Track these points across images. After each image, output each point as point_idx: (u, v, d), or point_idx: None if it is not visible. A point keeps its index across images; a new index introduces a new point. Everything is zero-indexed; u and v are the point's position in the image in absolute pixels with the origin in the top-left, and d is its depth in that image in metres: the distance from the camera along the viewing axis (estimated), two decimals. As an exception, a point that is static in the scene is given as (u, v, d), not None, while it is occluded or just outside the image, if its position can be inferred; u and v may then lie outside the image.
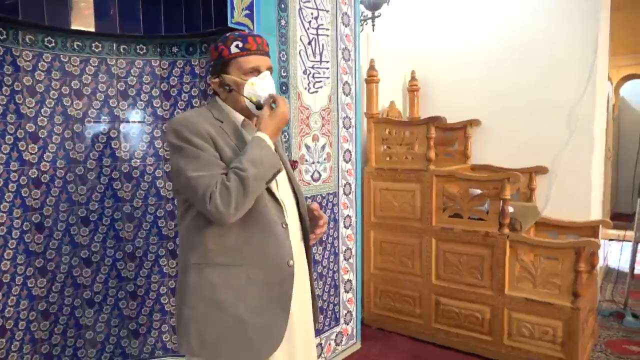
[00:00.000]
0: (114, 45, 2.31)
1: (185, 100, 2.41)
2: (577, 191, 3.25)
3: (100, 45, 2.28)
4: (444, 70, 3.72)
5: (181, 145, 1.28)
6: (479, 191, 2.87)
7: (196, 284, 1.34)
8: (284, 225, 1.38)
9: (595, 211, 3.35)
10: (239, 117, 1.41)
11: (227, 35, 1.40)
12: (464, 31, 3.62)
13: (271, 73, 1.43)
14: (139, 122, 2.40)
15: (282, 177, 1.46)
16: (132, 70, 2.36)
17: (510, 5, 3.43)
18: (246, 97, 1.36)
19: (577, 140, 3.22)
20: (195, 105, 2.38)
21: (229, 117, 1.40)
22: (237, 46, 1.36)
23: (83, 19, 2.17)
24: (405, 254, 3.14)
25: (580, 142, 3.21)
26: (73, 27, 2.14)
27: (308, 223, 1.55)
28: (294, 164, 1.56)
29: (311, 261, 1.59)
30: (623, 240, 3.67)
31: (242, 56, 1.36)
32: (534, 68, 3.33)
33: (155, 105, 2.42)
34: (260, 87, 1.35)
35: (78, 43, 2.22)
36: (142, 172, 2.43)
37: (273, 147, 1.33)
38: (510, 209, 2.79)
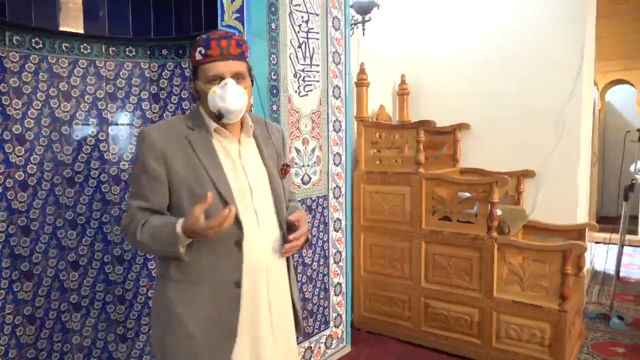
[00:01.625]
0: (103, 47, 2.29)
1: (175, 103, 2.39)
2: (563, 195, 3.29)
3: (88, 47, 2.26)
4: (433, 75, 3.75)
5: (135, 163, 1.41)
6: (468, 194, 2.89)
7: (160, 295, 1.42)
8: (238, 241, 1.34)
9: (582, 214, 3.39)
10: (212, 125, 1.38)
11: (197, 38, 1.36)
12: (453, 36, 3.66)
13: (247, 76, 1.38)
14: (127, 124, 2.38)
15: (260, 182, 1.42)
16: (121, 73, 2.34)
17: (499, 11, 3.47)
18: (208, 106, 1.33)
19: (564, 144, 3.26)
20: (185, 108, 2.37)
21: (204, 123, 1.39)
22: (200, 52, 1.32)
23: (71, 21, 2.14)
24: (395, 257, 3.15)
25: (567, 146, 3.25)
26: (61, 28, 2.12)
27: (286, 233, 1.46)
28: (285, 168, 1.53)
29: (292, 269, 1.55)
30: (609, 243, 3.71)
31: (204, 63, 1.32)
32: (522, 73, 3.37)
33: (144, 107, 2.40)
34: (220, 96, 1.29)
35: (66, 44, 2.20)
36: (131, 175, 2.41)
37: (179, 235, 1.27)
38: (499, 212, 2.81)
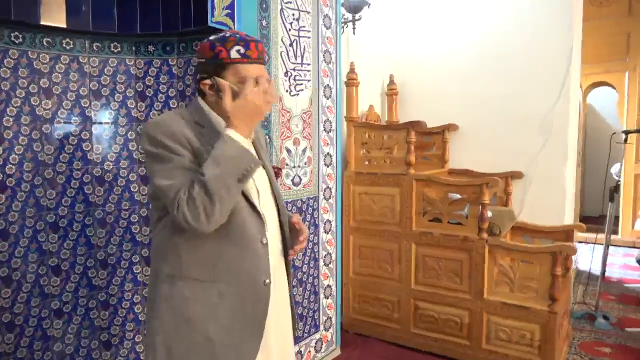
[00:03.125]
0: (87, 42, 2.20)
1: (161, 101, 2.32)
2: (551, 196, 3.31)
3: (71, 42, 2.16)
4: (422, 75, 3.73)
5: (153, 149, 1.21)
6: (458, 196, 2.88)
7: (167, 296, 1.28)
8: (263, 242, 1.31)
9: (568, 215, 3.42)
10: (223, 123, 1.31)
11: (226, 35, 1.29)
12: (442, 38, 3.65)
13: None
14: (112, 123, 2.30)
15: (263, 184, 1.40)
16: (105, 69, 2.25)
17: (489, 14, 3.48)
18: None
19: (551, 146, 3.28)
20: (172, 106, 2.30)
21: (211, 122, 1.32)
22: (238, 51, 1.26)
23: (53, 14, 2.05)
24: (384, 258, 3.13)
25: (554, 148, 3.28)
26: (42, 22, 2.02)
27: (288, 234, 1.48)
28: (277, 171, 1.50)
29: (291, 272, 1.53)
30: (594, 243, 3.76)
31: (243, 63, 1.26)
32: (510, 76, 3.38)
33: (129, 105, 2.32)
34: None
35: (48, 39, 2.10)
36: (115, 176, 2.33)
37: (245, 142, 1.22)
38: (489, 214, 2.81)
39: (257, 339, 1.30)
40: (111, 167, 2.31)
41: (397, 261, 3.07)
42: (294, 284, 2.60)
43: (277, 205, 1.44)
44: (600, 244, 3.63)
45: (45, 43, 2.10)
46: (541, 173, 3.32)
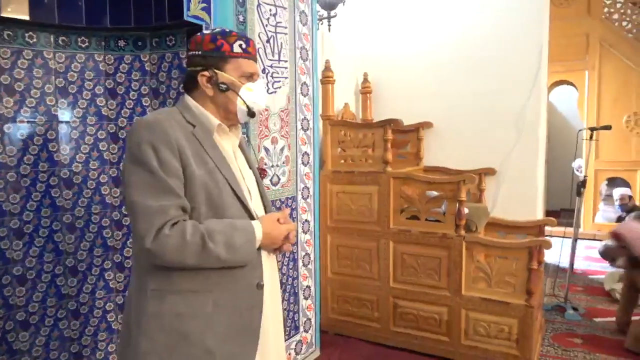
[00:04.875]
0: (52, 36, 2.07)
1: (133, 98, 2.21)
2: (523, 192, 3.39)
3: (35, 36, 2.03)
4: (396, 73, 3.74)
5: (141, 156, 1.13)
6: (435, 193, 2.90)
7: (157, 313, 1.19)
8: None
9: (539, 210, 3.51)
10: (214, 121, 1.27)
11: (227, 30, 1.31)
12: (416, 36, 3.66)
13: None
14: (80, 122, 2.17)
15: (252, 185, 1.38)
16: (72, 65, 2.13)
17: (462, 14, 3.51)
18: (244, 101, 1.28)
19: (523, 143, 3.35)
20: (145, 104, 2.19)
21: (203, 121, 1.27)
22: (240, 46, 1.28)
23: (15, 6, 1.91)
24: (363, 257, 3.11)
25: (526, 145, 3.35)
26: (3, 14, 1.89)
27: None
28: (263, 172, 1.47)
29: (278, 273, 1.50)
30: (561, 237, 3.88)
31: (245, 58, 1.28)
32: (483, 74, 3.43)
33: (99, 103, 2.20)
34: (257, 94, 1.30)
35: (9, 33, 1.96)
36: (85, 178, 2.20)
37: (257, 244, 1.26)
38: (466, 211, 2.84)
39: (254, 344, 1.27)
40: (80, 168, 2.18)
41: (376, 260, 3.06)
42: (275, 286, 2.54)
43: (264, 206, 1.43)
44: (560, 236, 3.75)
45: (6, 37, 1.96)
46: (513, 169, 3.38)
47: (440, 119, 3.57)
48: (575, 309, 3.52)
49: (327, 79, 3.13)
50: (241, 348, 1.25)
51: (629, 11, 5.74)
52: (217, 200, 1.21)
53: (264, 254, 1.31)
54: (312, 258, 2.84)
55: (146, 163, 1.13)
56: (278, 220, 1.30)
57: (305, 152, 2.74)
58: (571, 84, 6.08)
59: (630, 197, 5.08)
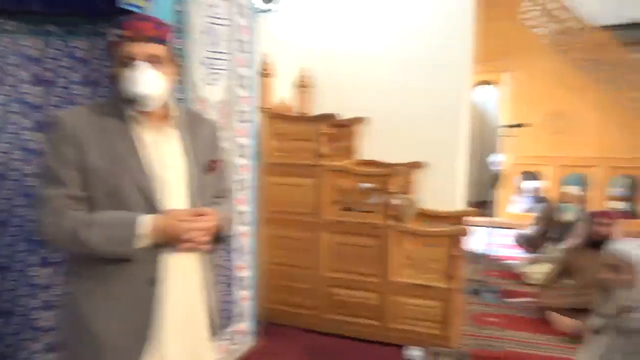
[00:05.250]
0: (-31, 17, 1.93)
1: (62, 86, 2.11)
2: (447, 184, 3.64)
3: (-51, 15, 1.88)
4: (333, 68, 3.84)
5: (45, 148, 1.31)
6: (368, 185, 3.04)
7: (67, 293, 1.35)
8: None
9: (462, 201, 3.78)
10: (127, 110, 1.29)
11: (127, 16, 1.31)
12: (354, 32, 3.79)
13: (167, 61, 1.31)
14: (2, 110, 2.05)
15: (177, 178, 1.33)
16: (-6, 49, 1.99)
17: (397, 13, 3.69)
18: (123, 91, 1.26)
19: (448, 138, 3.60)
20: (76, 93, 2.10)
21: (120, 110, 1.29)
22: (115, 33, 1.26)
23: None
24: (299, 247, 3.20)
25: (451, 140, 3.60)
26: None
27: None
28: (213, 164, 1.45)
29: (209, 269, 1.45)
30: (483, 226, 4.20)
31: (118, 45, 1.25)
32: (415, 71, 3.63)
33: (23, 90, 2.08)
34: (130, 79, 1.24)
35: None
36: (7, 169, 2.08)
37: (143, 239, 1.24)
38: (395, 202, 3.00)
39: (143, 340, 1.28)
40: (3, 158, 2.06)
41: (311, 250, 3.16)
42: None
43: (195, 200, 1.36)
44: (483, 225, 4.07)
45: None
46: (439, 163, 3.62)
47: (375, 114, 3.73)
48: (491, 291, 3.85)
49: (265, 72, 3.15)
50: (129, 342, 1.27)
51: (546, 18, 6.26)
52: (115, 191, 1.25)
53: (169, 249, 1.29)
54: (248, 249, 2.88)
55: (45, 155, 1.29)
56: (184, 217, 1.25)
57: (243, 144, 2.76)
58: (493, 83, 6.53)
59: (541, 190, 5.59)
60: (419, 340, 2.90)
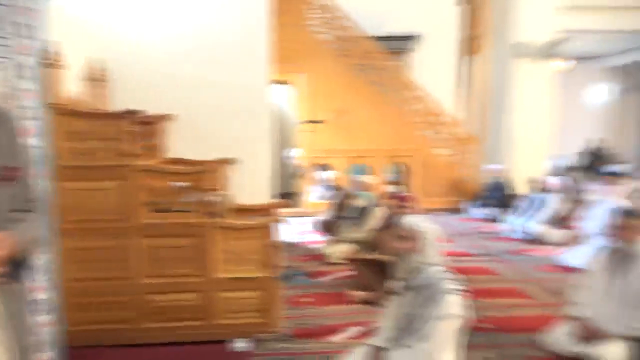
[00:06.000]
0: None
1: None
2: (257, 178, 3.81)
3: None
4: (134, 62, 3.60)
5: None
6: (183, 184, 2.96)
7: None
8: None
9: (267, 194, 3.98)
10: None
11: None
12: (153, 25, 3.62)
13: None
14: None
15: None
16: None
17: (195, 9, 3.62)
18: None
19: (255, 134, 3.76)
20: None
21: None
22: None
23: None
24: (105, 258, 2.92)
25: (257, 136, 3.76)
26: None
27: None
28: (10, 173, 1.23)
29: (14, 301, 1.27)
30: (290, 216, 4.50)
31: None
32: (218, 68, 3.65)
33: None
34: None
35: None
36: None
37: None
38: (213, 198, 3.00)
39: None
40: None
41: (121, 259, 2.91)
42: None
43: None
44: (290, 216, 4.38)
45: None
46: (251, 158, 3.75)
47: (182, 111, 3.63)
48: (304, 274, 4.18)
49: (55, 63, 2.74)
50: None
51: (329, 26, 6.99)
52: None
53: None
54: (45, 267, 2.49)
55: None
56: None
57: (31, 145, 2.37)
58: (288, 83, 7.00)
59: (333, 179, 6.26)
60: (244, 332, 2.98)
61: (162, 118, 3.54)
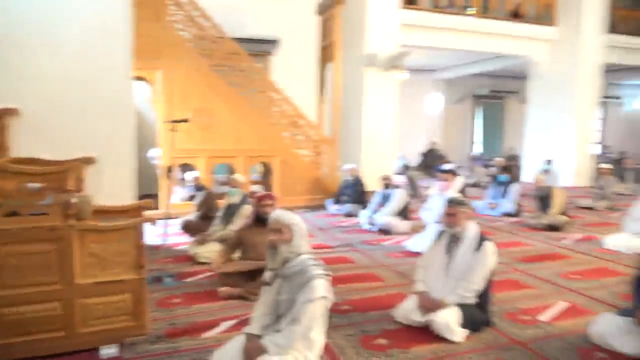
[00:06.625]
0: None
1: None
2: (121, 178, 3.66)
3: None
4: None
5: None
6: (38, 185, 2.73)
7: None
8: None
9: (135, 194, 3.86)
10: None
11: None
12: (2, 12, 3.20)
13: None
14: None
15: None
16: None
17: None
18: None
19: (118, 132, 3.60)
20: None
21: None
22: None
23: None
24: (-61, 271, 2.55)
25: (121, 134, 3.61)
26: None
27: None
28: None
29: None
30: (156, 218, 4.37)
31: None
32: (79, 61, 3.41)
33: None
34: None
35: None
36: None
37: None
38: (74, 200, 2.83)
39: None
40: None
41: (-38, 271, 2.58)
42: None
43: None
44: (156, 218, 4.28)
45: None
46: (111, 157, 3.58)
47: (29, 105, 3.30)
48: (170, 276, 4.11)
49: None
50: None
51: (190, 24, 6.85)
52: None
53: None
54: None
55: None
56: None
57: None
58: (146, 80, 6.69)
59: (198, 179, 6.20)
60: (113, 337, 2.86)
61: (6, 113, 3.19)
